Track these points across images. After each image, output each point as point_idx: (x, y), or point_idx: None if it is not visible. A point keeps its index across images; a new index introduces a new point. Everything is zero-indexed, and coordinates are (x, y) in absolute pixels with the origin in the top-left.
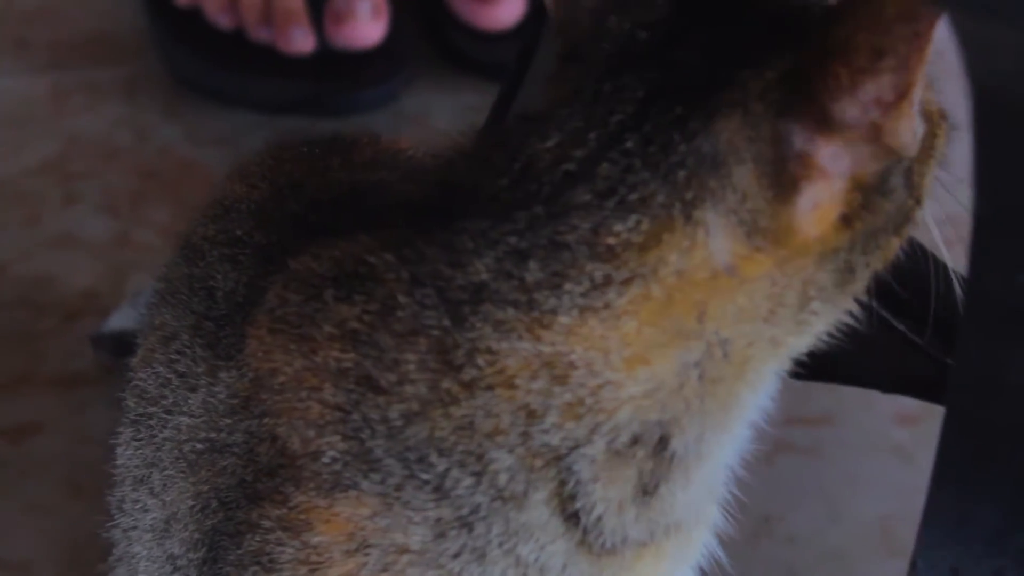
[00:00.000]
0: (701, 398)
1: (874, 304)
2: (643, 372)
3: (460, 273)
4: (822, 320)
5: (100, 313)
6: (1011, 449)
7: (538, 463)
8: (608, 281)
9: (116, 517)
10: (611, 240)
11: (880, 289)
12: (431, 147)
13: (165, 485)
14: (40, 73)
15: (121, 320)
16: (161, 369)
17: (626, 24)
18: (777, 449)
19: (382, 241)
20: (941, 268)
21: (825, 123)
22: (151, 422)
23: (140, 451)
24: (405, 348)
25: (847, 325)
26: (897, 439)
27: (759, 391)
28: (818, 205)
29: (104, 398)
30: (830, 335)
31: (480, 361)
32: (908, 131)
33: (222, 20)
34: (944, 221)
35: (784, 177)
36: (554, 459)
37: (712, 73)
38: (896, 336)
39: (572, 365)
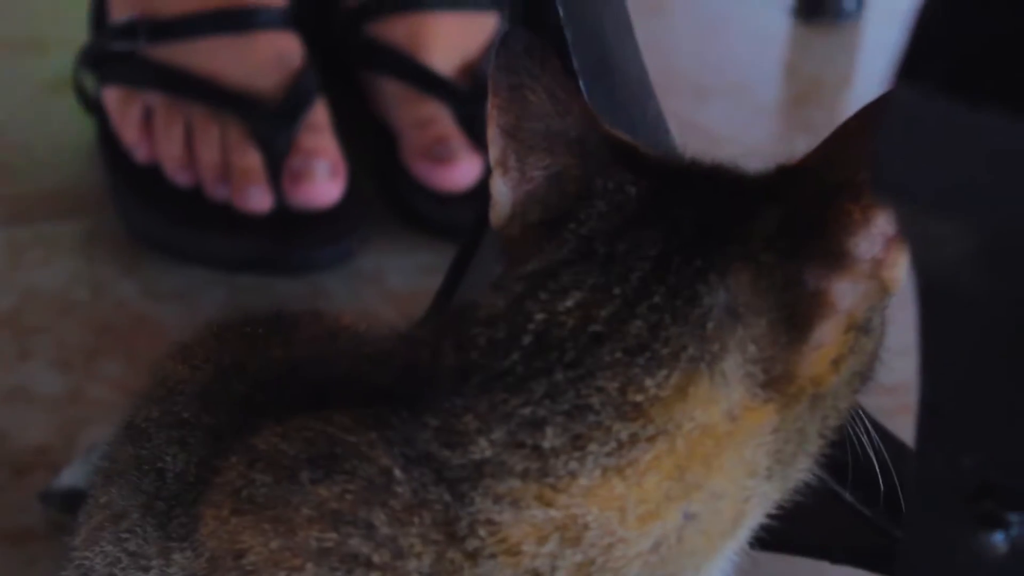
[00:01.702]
0: (694, 553)
1: (824, 476)
2: (655, 527)
3: (459, 453)
4: (799, 473)
5: (51, 469)
6: None
7: None
8: (634, 440)
9: None
10: (639, 397)
11: (829, 461)
12: (373, 324)
13: None
14: None
15: (72, 476)
16: (110, 548)
17: (610, 184)
18: None
19: (357, 420)
20: (889, 441)
21: (840, 259)
22: None
23: None
24: (404, 523)
25: (797, 497)
26: None
27: (737, 544)
28: (821, 345)
29: (53, 554)
30: (782, 506)
31: (482, 532)
32: (904, 265)
33: (180, 177)
34: (891, 390)
35: (798, 319)
36: None
37: (711, 229)
38: (846, 508)
39: (586, 527)
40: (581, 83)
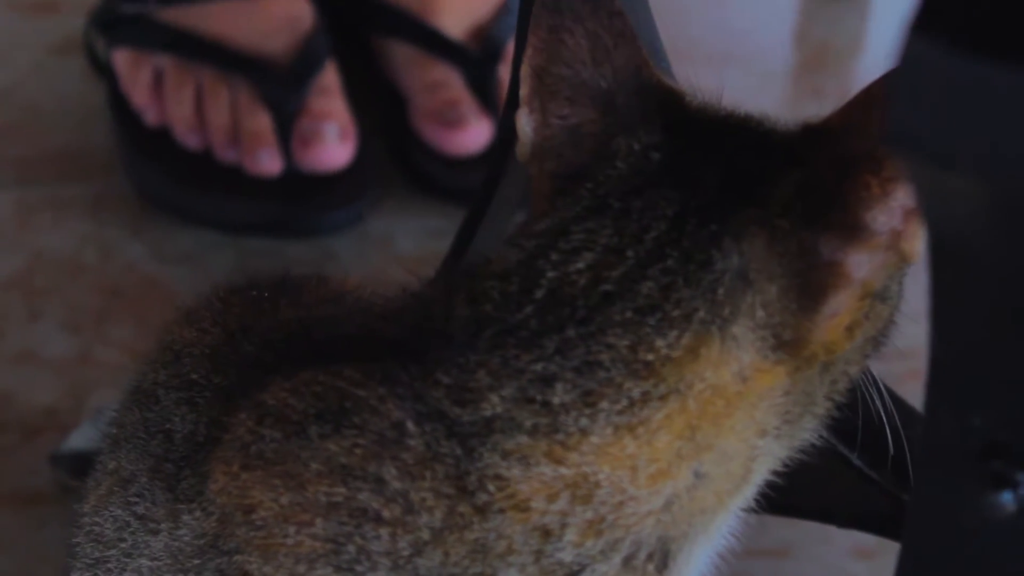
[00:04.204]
0: (704, 511)
1: (832, 440)
2: (666, 486)
3: (469, 410)
4: (805, 432)
5: (60, 431)
6: None
7: None
8: (646, 398)
9: None
10: (650, 356)
11: (838, 425)
12: (381, 287)
13: None
14: (6, 189)
15: (81, 439)
16: (119, 512)
17: (636, 145)
18: None
19: (367, 374)
20: (899, 405)
21: (856, 232)
22: (109, 565)
23: None
24: (416, 477)
25: (805, 460)
26: (854, 573)
27: (744, 501)
28: (835, 314)
29: (62, 517)
30: (789, 470)
31: (491, 487)
32: (922, 236)
33: (190, 140)
34: (902, 355)
35: (811, 287)
36: (567, 575)
37: (730, 191)
38: (853, 472)
39: (597, 484)
40: None
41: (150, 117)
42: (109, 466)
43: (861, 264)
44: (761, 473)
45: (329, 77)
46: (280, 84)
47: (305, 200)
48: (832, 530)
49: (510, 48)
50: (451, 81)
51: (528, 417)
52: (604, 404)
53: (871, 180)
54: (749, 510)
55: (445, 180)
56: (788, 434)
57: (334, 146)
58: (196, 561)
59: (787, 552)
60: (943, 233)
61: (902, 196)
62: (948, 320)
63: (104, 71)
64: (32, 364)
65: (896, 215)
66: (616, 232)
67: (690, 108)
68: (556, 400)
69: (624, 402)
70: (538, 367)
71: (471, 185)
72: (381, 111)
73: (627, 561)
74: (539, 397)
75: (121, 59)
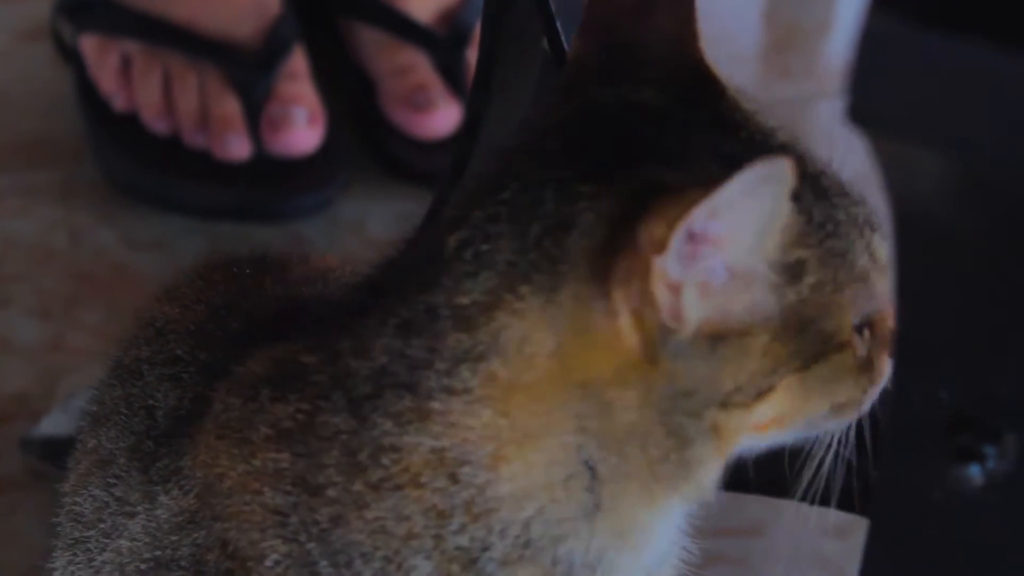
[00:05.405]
0: (593, 512)
1: None
2: (506, 471)
3: (364, 361)
4: (705, 473)
5: (31, 417)
6: (933, 565)
7: (455, 568)
8: (465, 356)
9: None
10: (464, 299)
11: None
12: (359, 264)
13: None
14: None
15: (52, 425)
16: (98, 492)
17: (600, 93)
18: (707, 560)
19: (313, 341)
20: None
21: (631, 233)
22: (88, 545)
23: (78, 575)
24: (327, 448)
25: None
26: (827, 551)
27: (665, 515)
28: (619, 312)
29: (33, 503)
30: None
31: (384, 460)
32: (665, 299)
33: (158, 125)
34: None
35: (602, 259)
36: (469, 562)
37: (639, 161)
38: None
39: (457, 461)
40: (559, 25)
41: (118, 103)
42: (89, 444)
43: (624, 273)
44: (647, 489)
45: (297, 62)
46: (248, 69)
47: (274, 185)
48: (805, 508)
49: (477, 32)
50: (419, 65)
51: (402, 373)
52: (437, 362)
53: (665, 199)
54: (721, 488)
55: (414, 163)
56: (619, 452)
57: (303, 130)
58: (174, 537)
59: (759, 531)
60: (907, 208)
61: (656, 233)
62: (914, 295)
63: (71, 57)
64: (2, 350)
65: (648, 245)
66: (501, 170)
67: (723, 95)
68: (411, 353)
69: (448, 359)
70: (403, 311)
71: (440, 168)
72: (350, 95)
73: (509, 547)
74: (404, 348)
75: (88, 45)
